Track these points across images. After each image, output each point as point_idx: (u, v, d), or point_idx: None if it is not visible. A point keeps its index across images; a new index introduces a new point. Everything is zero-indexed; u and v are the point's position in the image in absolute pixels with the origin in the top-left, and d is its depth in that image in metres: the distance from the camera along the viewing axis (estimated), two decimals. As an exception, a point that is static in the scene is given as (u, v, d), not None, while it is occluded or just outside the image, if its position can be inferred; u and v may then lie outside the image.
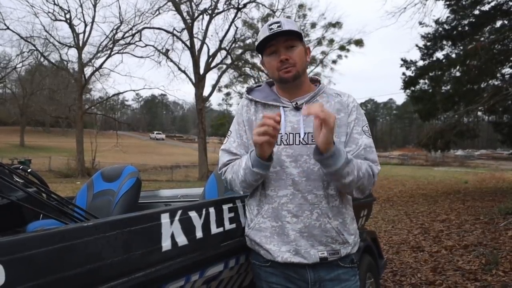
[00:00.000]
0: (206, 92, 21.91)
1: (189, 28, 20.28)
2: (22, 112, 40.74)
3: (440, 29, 11.62)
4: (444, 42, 11.82)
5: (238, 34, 21.17)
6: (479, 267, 3.88)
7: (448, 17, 11.46)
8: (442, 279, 3.64)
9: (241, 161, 1.35)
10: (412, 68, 12.46)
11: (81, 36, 22.85)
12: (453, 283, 3.52)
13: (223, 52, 21.17)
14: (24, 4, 49.20)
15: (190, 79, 20.93)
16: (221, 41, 20.74)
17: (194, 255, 1.23)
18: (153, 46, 21.31)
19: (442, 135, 11.43)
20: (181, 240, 1.20)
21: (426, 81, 12.59)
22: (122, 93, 25.78)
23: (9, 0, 31.70)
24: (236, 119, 1.50)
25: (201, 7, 20.61)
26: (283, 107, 1.40)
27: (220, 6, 20.58)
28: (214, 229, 1.35)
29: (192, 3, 20.32)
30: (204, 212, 1.32)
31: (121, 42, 21.65)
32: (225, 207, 1.44)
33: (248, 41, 21.58)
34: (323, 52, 23.83)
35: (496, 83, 10.80)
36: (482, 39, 9.73)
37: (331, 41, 23.27)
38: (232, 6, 20.19)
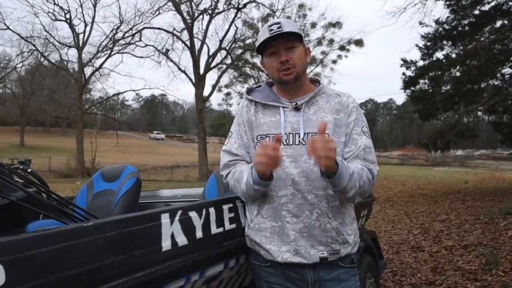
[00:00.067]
0: (206, 92, 21.95)
1: (189, 28, 20.29)
2: (22, 112, 40.74)
3: (440, 29, 11.62)
4: (444, 42, 11.82)
5: (238, 34, 21.19)
6: (479, 267, 3.88)
7: (448, 17, 11.47)
8: (442, 279, 3.64)
9: (243, 173, 1.35)
10: (412, 68, 12.46)
11: (81, 36, 22.89)
12: (453, 283, 3.52)
13: (223, 52, 21.19)
14: (24, 4, 49.22)
15: (190, 79, 20.94)
16: (221, 41, 20.77)
17: (194, 255, 1.23)
18: (153, 46, 21.34)
19: (442, 135, 11.43)
20: (181, 240, 1.20)
21: (426, 81, 12.59)
22: (122, 93, 25.82)
23: (9, 0, 31.71)
24: (236, 119, 1.51)
25: (201, 7, 20.65)
26: (283, 107, 1.40)
27: (220, 6, 20.62)
28: (214, 229, 1.35)
29: (192, 3, 20.34)
30: (204, 212, 1.32)
31: (121, 42, 21.66)
32: (225, 207, 1.44)
33: (248, 41, 21.60)
34: (323, 52, 23.86)
35: (496, 83, 10.80)
36: (482, 39, 9.73)
37: (331, 41, 23.30)
38: (232, 6, 20.20)
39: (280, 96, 1.44)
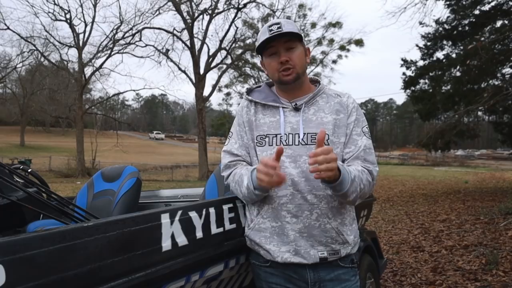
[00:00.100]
0: (206, 92, 21.92)
1: (189, 28, 20.28)
2: (22, 112, 40.78)
3: (440, 29, 11.62)
4: (444, 42, 11.82)
5: (238, 34, 21.17)
6: (479, 267, 3.88)
7: (448, 17, 11.46)
8: (442, 279, 3.64)
9: (243, 177, 1.36)
10: (412, 68, 12.46)
11: (81, 36, 22.85)
12: (453, 283, 3.52)
13: (223, 52, 21.18)
14: (24, 4, 49.20)
15: (190, 79, 20.94)
16: (221, 41, 20.74)
17: (195, 255, 1.23)
18: (153, 46, 21.31)
19: (442, 135, 11.42)
20: (181, 240, 1.20)
21: (426, 81, 12.58)
22: (122, 93, 25.73)
23: (9, 0, 31.71)
24: (236, 120, 1.51)
25: (201, 7, 20.62)
26: (283, 107, 1.41)
27: (220, 6, 20.60)
28: (214, 229, 1.35)
29: (192, 3, 20.33)
30: (204, 212, 1.32)
31: (121, 42, 21.63)
32: (225, 207, 1.44)
33: (248, 41, 21.58)
34: (323, 52, 23.82)
35: (496, 83, 10.78)
36: (483, 39, 9.71)
37: (331, 41, 23.26)
38: (232, 6, 20.19)
39: (280, 97, 1.44)
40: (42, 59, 27.13)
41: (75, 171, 21.30)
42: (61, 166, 22.89)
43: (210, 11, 20.43)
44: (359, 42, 23.13)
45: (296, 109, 1.39)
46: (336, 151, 1.35)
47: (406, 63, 12.47)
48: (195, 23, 20.58)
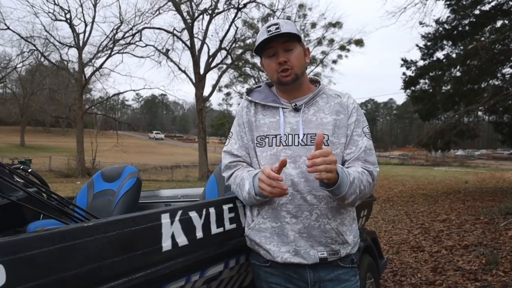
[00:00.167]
0: (206, 92, 21.93)
1: (189, 28, 20.28)
2: (22, 112, 40.78)
3: (441, 29, 11.62)
4: (445, 42, 11.81)
5: (238, 34, 21.18)
6: (479, 267, 3.88)
7: (448, 17, 11.46)
8: (442, 279, 3.64)
9: (244, 181, 1.36)
10: (413, 68, 12.46)
11: (81, 36, 22.85)
12: (453, 283, 3.52)
13: (223, 52, 21.18)
14: (24, 4, 49.24)
15: (190, 79, 20.94)
16: (221, 41, 20.74)
17: (195, 255, 1.23)
18: (153, 46, 21.31)
19: (442, 135, 11.42)
20: (182, 240, 1.20)
21: (427, 81, 12.58)
22: (122, 93, 25.72)
23: (9, 0, 31.67)
24: (236, 120, 1.51)
25: (201, 7, 20.62)
26: (282, 108, 1.41)
27: (220, 6, 20.60)
28: (214, 229, 1.35)
29: (192, 3, 20.33)
30: (204, 212, 1.32)
31: (121, 42, 21.63)
32: (225, 207, 1.44)
33: (248, 41, 21.58)
34: (323, 52, 23.84)
35: (496, 83, 10.78)
36: (483, 39, 9.70)
37: (331, 41, 23.27)
38: (232, 6, 20.19)
39: (280, 97, 1.44)
40: (42, 59, 27.15)
41: (75, 171, 21.30)
42: (61, 166, 22.89)
43: (210, 11, 20.44)
44: (359, 42, 23.14)
45: (296, 109, 1.39)
46: (336, 152, 1.35)
47: (406, 63, 12.47)
48: (195, 23, 20.60)
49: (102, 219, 1.10)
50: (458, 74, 11.49)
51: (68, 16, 22.25)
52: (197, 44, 20.77)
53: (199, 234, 1.27)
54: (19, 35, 22.27)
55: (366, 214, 2.81)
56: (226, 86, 25.60)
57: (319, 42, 23.11)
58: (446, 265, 4.05)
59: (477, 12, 10.75)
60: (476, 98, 9.38)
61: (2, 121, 45.97)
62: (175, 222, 1.20)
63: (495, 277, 3.57)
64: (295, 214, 1.33)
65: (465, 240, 5.06)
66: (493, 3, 10.29)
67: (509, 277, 3.54)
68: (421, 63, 12.33)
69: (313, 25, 22.55)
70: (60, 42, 22.96)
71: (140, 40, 21.27)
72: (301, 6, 21.97)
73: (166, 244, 1.14)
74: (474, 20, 10.74)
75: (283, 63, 1.34)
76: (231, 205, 1.47)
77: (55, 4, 21.73)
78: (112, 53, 21.80)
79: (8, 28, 21.35)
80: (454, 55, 11.73)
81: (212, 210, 1.37)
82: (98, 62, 22.68)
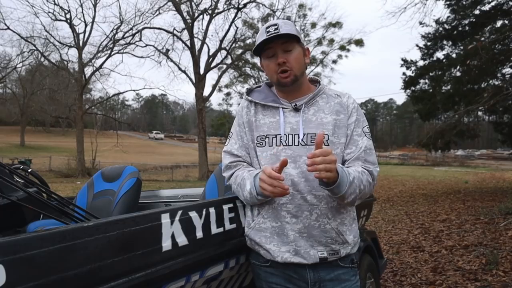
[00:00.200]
0: (206, 92, 21.93)
1: (189, 28, 20.28)
2: (22, 112, 40.78)
3: (441, 29, 11.62)
4: (445, 42, 11.81)
5: (238, 34, 21.18)
6: (479, 267, 3.88)
7: (448, 17, 11.46)
8: (442, 279, 3.64)
9: (245, 181, 1.36)
10: (413, 68, 12.46)
11: (81, 36, 22.85)
12: (453, 283, 3.52)
13: (223, 52, 21.18)
14: (25, 4, 49.24)
15: (190, 79, 20.94)
16: (221, 41, 20.74)
17: (195, 255, 1.23)
18: (153, 46, 21.31)
19: (442, 135, 11.42)
20: (182, 240, 1.20)
21: (427, 81, 12.58)
22: (122, 93, 25.71)
23: (9, 0, 31.65)
24: (236, 120, 1.51)
25: (201, 7, 20.62)
26: (282, 108, 1.41)
27: (220, 6, 20.60)
28: (214, 229, 1.35)
29: (192, 3, 20.33)
30: (204, 212, 1.33)
31: (121, 42, 21.62)
32: (225, 207, 1.44)
33: (248, 41, 21.57)
34: (323, 52, 23.84)
35: (496, 83, 10.78)
36: (483, 39, 9.70)
37: (331, 41, 23.27)
38: (232, 6, 20.19)
39: (280, 97, 1.44)
40: (42, 59, 27.16)
41: (75, 171, 21.30)
42: (61, 166, 22.89)
43: (210, 11, 20.44)
44: (359, 42, 23.14)
45: (296, 109, 1.39)
46: (336, 152, 1.35)
47: (406, 63, 12.47)
48: (195, 23, 20.60)
49: (102, 219, 1.10)
50: (458, 74, 11.50)
51: (68, 16, 22.27)
52: (197, 44, 20.79)
53: (199, 234, 1.27)
54: (19, 35, 22.30)
55: (366, 214, 2.81)
56: (226, 86, 25.63)
57: (319, 42, 23.12)
58: (446, 265, 4.05)
59: (477, 12, 10.75)
60: (476, 98, 9.38)
61: (2, 121, 45.98)
62: (175, 222, 1.20)
63: (495, 277, 3.57)
64: (295, 214, 1.33)
65: (465, 240, 5.06)
66: (493, 3, 10.30)
67: (509, 277, 3.54)
68: (421, 63, 12.35)
69: (313, 25, 22.56)
70: (60, 42, 22.98)
71: (140, 40, 21.30)
72: (301, 6, 21.99)
73: (166, 244, 1.14)
74: (474, 20, 10.74)
75: (282, 64, 1.34)
76: (231, 205, 1.47)
77: (55, 4, 21.75)
78: (112, 53, 21.82)
79: (8, 28, 21.36)
80: (454, 55, 11.73)
81: (212, 210, 1.37)
82: (98, 62, 22.72)
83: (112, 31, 21.68)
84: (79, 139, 22.43)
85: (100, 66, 22.68)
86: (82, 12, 23.42)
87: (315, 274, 1.34)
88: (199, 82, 20.59)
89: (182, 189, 3.47)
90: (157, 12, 20.43)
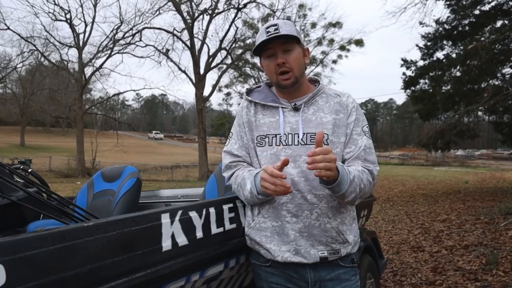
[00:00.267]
0: (206, 92, 21.93)
1: (189, 28, 20.28)
2: (22, 112, 40.78)
3: (441, 29, 11.62)
4: (445, 42, 11.81)
5: (238, 34, 21.18)
6: (480, 267, 3.88)
7: (448, 17, 11.47)
8: (442, 279, 3.64)
9: (245, 180, 1.36)
10: (413, 68, 12.46)
11: (81, 36, 22.85)
12: (453, 283, 3.52)
13: (223, 52, 21.18)
14: (25, 4, 49.26)
15: (190, 79, 20.94)
16: (221, 41, 20.74)
17: (195, 255, 1.23)
18: (153, 46, 21.31)
19: (442, 135, 11.42)
20: (182, 240, 1.20)
21: (427, 81, 12.58)
22: (122, 93, 25.72)
23: (10, 0, 31.65)
24: (236, 120, 1.51)
25: (201, 7, 20.63)
26: (282, 107, 1.41)
27: (220, 6, 20.60)
28: (214, 229, 1.35)
29: (192, 3, 20.33)
30: (204, 212, 1.32)
31: (121, 42, 21.63)
32: (225, 207, 1.44)
33: (248, 41, 21.57)
34: (323, 52, 23.84)
35: (496, 83, 10.78)
36: (483, 39, 9.70)
37: (331, 41, 23.27)
38: (232, 6, 20.19)
39: (279, 97, 1.44)
40: (42, 59, 27.14)
41: (75, 171, 21.31)
42: (61, 166, 22.90)
43: (210, 11, 20.44)
44: (359, 42, 23.14)
45: (296, 109, 1.39)
46: (335, 151, 1.35)
47: (406, 63, 12.48)
48: (195, 23, 20.60)
49: (102, 219, 1.10)
50: (458, 74, 11.50)
51: (68, 16, 22.27)
52: (197, 44, 20.79)
53: (199, 234, 1.27)
54: (19, 35, 22.30)
55: (366, 214, 2.81)
56: (226, 86, 25.63)
57: (319, 42, 23.12)
58: (446, 265, 4.05)
59: (477, 12, 10.75)
60: (476, 98, 9.38)
61: (2, 121, 45.98)
62: (175, 222, 1.20)
63: (495, 277, 3.57)
64: (296, 213, 1.33)
65: (465, 240, 5.06)
66: (493, 3, 10.30)
67: (509, 277, 3.54)
68: (421, 63, 12.35)
69: (313, 25, 22.56)
70: (60, 42, 22.98)
71: (140, 40, 21.30)
72: (301, 6, 21.99)
73: (166, 244, 1.14)
74: (474, 20, 10.74)
75: (282, 64, 1.34)
76: (231, 205, 1.47)
77: (55, 4, 21.76)
78: (112, 53, 21.82)
79: (8, 28, 21.37)
80: (454, 55, 11.73)
81: (212, 210, 1.37)
82: (98, 62, 22.72)
83: (112, 31, 21.71)
84: (79, 139, 22.44)
85: (100, 66, 22.70)
86: (82, 12, 23.42)
87: (315, 273, 1.34)
88: (199, 82, 20.59)
89: (182, 189, 3.47)
90: (157, 12, 20.46)
